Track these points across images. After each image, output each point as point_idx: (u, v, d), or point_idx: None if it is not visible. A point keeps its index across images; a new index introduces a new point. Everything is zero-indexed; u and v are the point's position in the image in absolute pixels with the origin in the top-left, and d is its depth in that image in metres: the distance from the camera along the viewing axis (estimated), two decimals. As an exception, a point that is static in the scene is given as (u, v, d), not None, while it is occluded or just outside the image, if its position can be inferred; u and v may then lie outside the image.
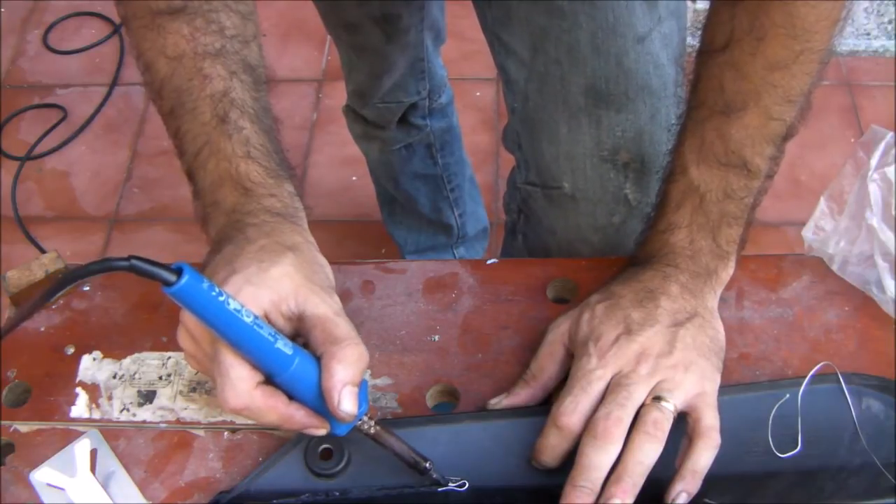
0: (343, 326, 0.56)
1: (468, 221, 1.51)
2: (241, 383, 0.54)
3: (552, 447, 0.60)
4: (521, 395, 0.65)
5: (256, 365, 0.54)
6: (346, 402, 0.54)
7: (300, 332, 0.57)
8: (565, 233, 0.89)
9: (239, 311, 0.51)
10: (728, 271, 0.68)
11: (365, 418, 0.58)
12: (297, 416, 0.56)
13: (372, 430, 0.59)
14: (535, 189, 0.89)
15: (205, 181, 0.64)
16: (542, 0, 0.81)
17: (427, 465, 0.60)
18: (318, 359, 0.55)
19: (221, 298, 0.50)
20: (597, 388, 0.60)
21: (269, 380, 0.55)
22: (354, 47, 1.17)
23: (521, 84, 0.86)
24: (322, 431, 0.57)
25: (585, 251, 0.88)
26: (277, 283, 0.57)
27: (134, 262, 0.47)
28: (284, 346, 0.54)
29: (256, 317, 0.53)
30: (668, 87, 0.82)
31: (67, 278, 0.50)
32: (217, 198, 0.64)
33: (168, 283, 0.48)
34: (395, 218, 1.53)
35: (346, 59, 1.23)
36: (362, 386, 0.57)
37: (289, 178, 0.66)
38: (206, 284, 0.50)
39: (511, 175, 0.97)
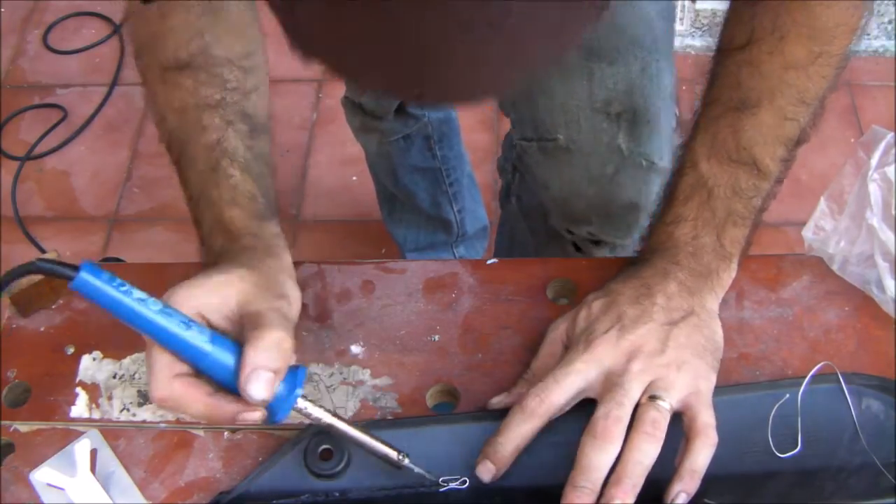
0: (269, 316, 0.56)
1: (467, 218, 1.51)
2: (161, 373, 0.55)
3: (510, 428, 0.60)
4: (523, 395, 0.65)
5: (177, 355, 0.55)
6: (252, 385, 0.53)
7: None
8: (559, 186, 0.90)
9: (144, 301, 0.53)
10: (730, 273, 0.68)
11: (299, 403, 0.57)
12: (223, 405, 0.56)
13: (322, 421, 0.58)
14: (531, 143, 0.90)
15: (204, 230, 0.66)
16: None
17: (399, 457, 0.59)
18: None
19: (123, 289, 0.53)
20: (572, 381, 0.60)
21: (197, 371, 0.56)
22: None
23: None
24: (257, 415, 0.56)
25: (580, 205, 0.89)
26: (219, 287, 0.58)
27: (38, 263, 0.52)
28: (200, 333, 0.55)
29: (165, 305, 0.54)
30: (658, 42, 0.84)
31: None
32: (210, 243, 0.66)
33: (69, 279, 0.52)
34: (395, 216, 1.53)
35: None
36: (296, 372, 0.57)
37: (273, 219, 0.68)
38: (105, 276, 0.52)
39: (506, 137, 0.99)
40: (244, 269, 0.59)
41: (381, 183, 1.49)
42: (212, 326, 0.57)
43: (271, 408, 0.56)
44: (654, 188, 0.89)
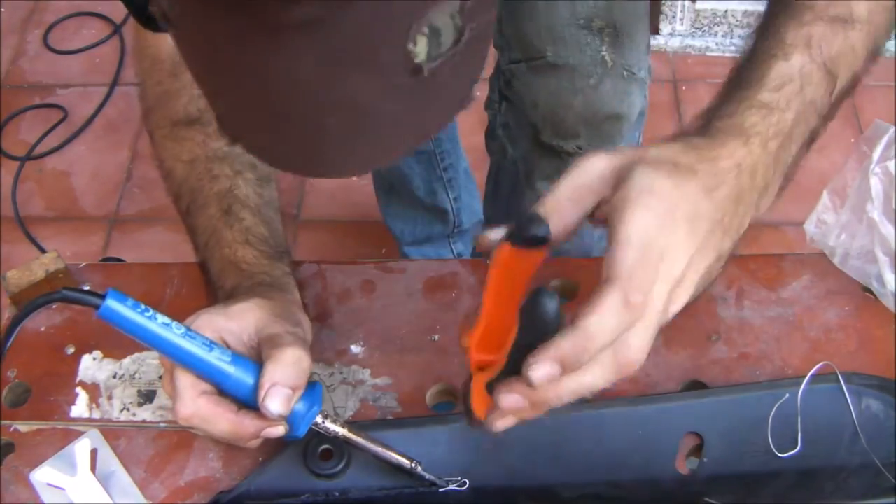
0: (287, 338, 0.58)
1: (463, 210, 1.51)
2: (186, 392, 0.57)
3: (607, 330, 0.48)
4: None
5: (200, 375, 0.57)
6: (271, 400, 0.55)
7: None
8: (547, 102, 0.95)
9: (168, 325, 0.55)
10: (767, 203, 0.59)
11: (326, 419, 0.59)
12: (248, 421, 0.58)
13: (339, 434, 0.60)
14: (519, 65, 0.96)
15: (213, 271, 0.68)
16: None
17: (412, 465, 0.60)
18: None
19: (148, 314, 0.54)
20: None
21: (220, 391, 0.58)
22: None
23: None
24: (280, 430, 0.58)
25: (568, 118, 0.94)
26: (238, 315, 0.60)
27: (65, 292, 0.54)
28: (222, 355, 0.57)
29: (188, 329, 0.56)
30: None
31: (13, 324, 0.56)
32: (221, 283, 0.67)
33: (96, 307, 0.53)
34: (392, 208, 1.53)
35: None
36: (313, 388, 0.59)
37: (283, 260, 0.70)
38: (130, 303, 0.54)
39: (492, 73, 1.05)
40: (260, 299, 0.61)
41: (377, 170, 1.49)
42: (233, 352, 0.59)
43: (291, 423, 0.58)
44: (635, 99, 0.95)
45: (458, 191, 1.49)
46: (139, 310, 0.54)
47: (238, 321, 0.59)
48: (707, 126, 0.57)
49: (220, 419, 0.58)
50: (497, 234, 0.53)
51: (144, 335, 0.55)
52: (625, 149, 0.54)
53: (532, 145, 1.03)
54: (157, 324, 0.55)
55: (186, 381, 0.57)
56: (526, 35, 0.94)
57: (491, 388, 0.50)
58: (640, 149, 0.54)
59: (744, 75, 0.60)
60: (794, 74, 0.58)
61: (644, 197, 0.50)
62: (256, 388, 0.56)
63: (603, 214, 0.53)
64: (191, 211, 0.71)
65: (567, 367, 0.48)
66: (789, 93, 0.58)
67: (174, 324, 0.55)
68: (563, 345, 0.48)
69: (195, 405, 0.57)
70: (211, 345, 0.56)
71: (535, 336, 0.47)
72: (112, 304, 0.53)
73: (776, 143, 0.56)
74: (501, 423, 0.52)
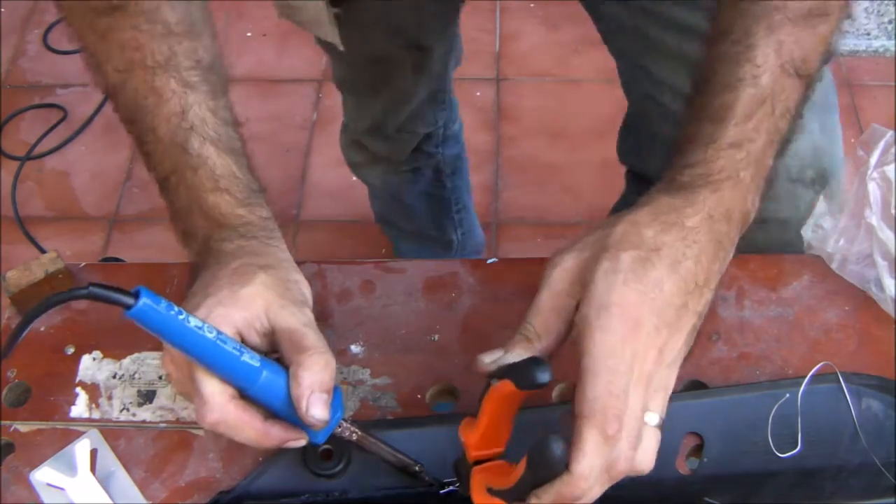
0: (310, 337, 0.57)
1: (468, 240, 1.51)
2: (214, 397, 0.55)
3: (597, 467, 0.50)
4: (523, 357, 0.55)
5: (227, 380, 0.55)
6: (315, 408, 0.55)
7: (275, 348, 0.58)
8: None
9: (200, 328, 0.53)
10: (743, 226, 0.58)
11: (344, 423, 0.59)
12: (274, 431, 0.57)
13: (354, 437, 0.59)
14: None
15: (176, 206, 0.65)
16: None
17: (417, 468, 0.60)
18: (288, 370, 0.56)
19: (181, 317, 0.52)
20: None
21: (244, 395, 0.56)
22: (376, 81, 1.11)
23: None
24: (302, 442, 0.58)
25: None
26: (249, 303, 0.58)
27: (92, 289, 0.49)
28: (251, 359, 0.55)
29: (220, 332, 0.54)
30: (829, 98, 0.82)
31: (30, 316, 0.52)
32: (189, 226, 0.64)
33: (127, 307, 0.50)
34: (395, 233, 1.53)
35: (356, 99, 1.19)
36: (335, 393, 0.58)
37: (260, 203, 0.65)
38: (164, 304, 0.51)
39: None
40: (263, 276, 0.59)
41: (383, 214, 1.47)
42: (244, 341, 0.57)
43: (312, 430, 0.57)
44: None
45: (466, 225, 1.48)
46: (173, 311, 0.52)
47: (249, 310, 0.57)
48: (675, 180, 0.57)
49: (247, 427, 0.56)
50: (492, 360, 0.55)
51: (175, 337, 0.52)
52: (589, 240, 0.55)
53: None
54: (191, 326, 0.52)
55: (214, 387, 0.55)
56: None
57: (492, 491, 0.54)
58: (605, 234, 0.54)
59: (710, 101, 0.58)
60: (766, 95, 0.57)
61: (603, 317, 0.51)
62: (286, 394, 0.55)
63: (576, 329, 0.53)
64: (136, 127, 0.64)
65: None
66: (759, 118, 0.57)
67: (206, 325, 0.53)
68: (563, 490, 0.50)
69: (223, 411, 0.55)
70: (241, 349, 0.55)
71: (543, 476, 0.51)
72: (147, 303, 0.50)
73: (749, 174, 0.57)
74: None
